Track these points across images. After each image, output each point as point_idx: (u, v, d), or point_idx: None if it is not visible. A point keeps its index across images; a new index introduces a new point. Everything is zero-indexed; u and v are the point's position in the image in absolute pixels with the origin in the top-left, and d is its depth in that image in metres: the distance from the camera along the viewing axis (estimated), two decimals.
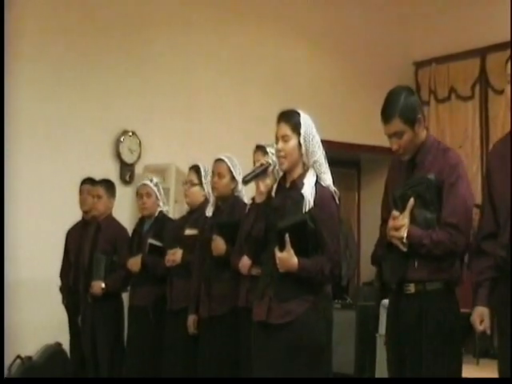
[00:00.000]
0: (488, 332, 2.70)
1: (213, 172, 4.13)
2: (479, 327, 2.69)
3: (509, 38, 6.97)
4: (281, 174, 3.17)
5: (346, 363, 5.66)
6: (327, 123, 7.02)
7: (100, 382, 4.85)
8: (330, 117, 7.39)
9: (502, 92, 7.35)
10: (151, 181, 4.76)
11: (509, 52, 7.14)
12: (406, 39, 8.06)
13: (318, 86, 7.52)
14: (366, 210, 8.43)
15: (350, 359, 5.75)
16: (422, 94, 8.28)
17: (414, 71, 8.37)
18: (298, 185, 3.05)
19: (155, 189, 4.73)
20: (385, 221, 2.96)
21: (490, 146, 7.65)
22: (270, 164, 3.14)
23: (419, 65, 8.32)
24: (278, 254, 2.95)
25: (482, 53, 7.75)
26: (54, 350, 5.66)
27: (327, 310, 3.40)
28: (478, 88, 7.86)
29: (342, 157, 7.83)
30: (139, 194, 4.78)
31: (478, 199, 8.82)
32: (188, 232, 4.38)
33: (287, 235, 2.92)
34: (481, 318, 2.69)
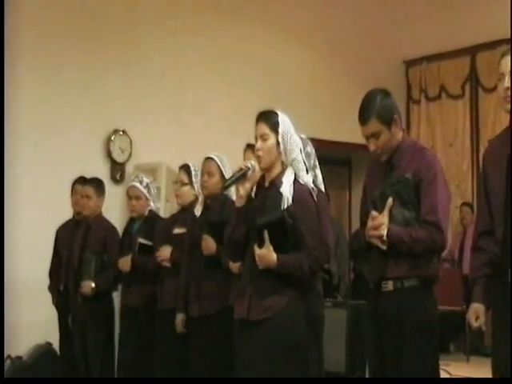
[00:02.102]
0: (483, 328, 2.73)
1: (202, 171, 4.13)
2: (474, 324, 2.72)
3: (499, 37, 7.00)
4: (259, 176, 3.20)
5: (336, 362, 5.66)
6: (318, 122, 7.09)
7: (97, 382, 4.84)
8: (321, 115, 7.41)
9: (491, 90, 7.39)
10: (141, 182, 4.73)
11: (499, 51, 7.18)
12: (396, 38, 8.08)
13: (309, 84, 7.53)
14: (357, 208, 8.37)
15: (340, 357, 5.75)
16: (412, 93, 8.31)
17: (405, 70, 8.40)
18: (276, 184, 3.10)
19: (144, 190, 4.71)
20: (364, 223, 2.99)
21: (481, 144, 7.73)
22: (249, 168, 3.16)
23: (410, 63, 8.35)
24: (257, 251, 2.99)
25: (472, 52, 7.79)
26: (45, 350, 5.65)
27: (316, 308, 3.40)
28: (468, 87, 7.90)
29: (333, 155, 7.84)
30: (128, 196, 4.77)
31: (469, 197, 8.86)
32: (177, 231, 4.37)
33: (266, 232, 2.95)
34: (476, 314, 2.72)
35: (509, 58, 2.65)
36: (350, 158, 8.77)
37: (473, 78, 7.84)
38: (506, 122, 2.75)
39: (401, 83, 8.21)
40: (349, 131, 7.61)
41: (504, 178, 2.63)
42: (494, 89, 7.27)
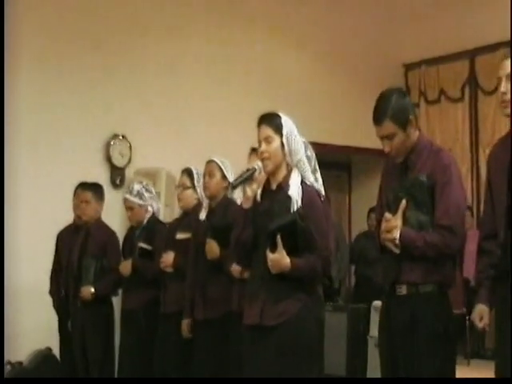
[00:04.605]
0: (487, 329, 2.73)
1: (204, 173, 4.15)
2: (479, 324, 2.72)
3: (498, 40, 7.02)
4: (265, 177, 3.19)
5: (337, 365, 5.66)
6: (318, 125, 7.09)
7: (97, 383, 4.84)
8: (321, 119, 7.41)
9: (491, 93, 7.39)
10: (131, 192, 4.76)
11: (499, 53, 7.19)
12: (395, 41, 8.09)
13: (309, 88, 7.53)
14: (357, 212, 8.44)
15: (341, 361, 5.75)
16: (411, 96, 8.30)
17: (404, 73, 8.40)
18: (284, 187, 3.08)
19: (136, 199, 4.72)
20: (379, 223, 2.97)
21: (480, 147, 7.73)
22: (255, 169, 3.15)
23: (409, 67, 8.35)
24: (271, 256, 2.96)
25: (471, 55, 7.79)
26: (45, 355, 5.63)
27: (319, 311, 3.41)
28: (467, 90, 7.90)
29: (333, 159, 7.84)
30: (124, 207, 4.83)
31: (468, 201, 8.87)
32: (179, 236, 4.37)
33: (279, 236, 2.92)
34: (480, 315, 2.73)
35: (506, 62, 2.66)
36: (349, 162, 8.78)
37: (472, 81, 7.84)
38: (505, 126, 2.76)
39: (400, 86, 8.19)
40: (348, 135, 7.67)
41: (506, 181, 2.63)
42: (494, 92, 7.29)
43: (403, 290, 2.87)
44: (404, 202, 2.83)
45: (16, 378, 5.37)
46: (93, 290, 4.82)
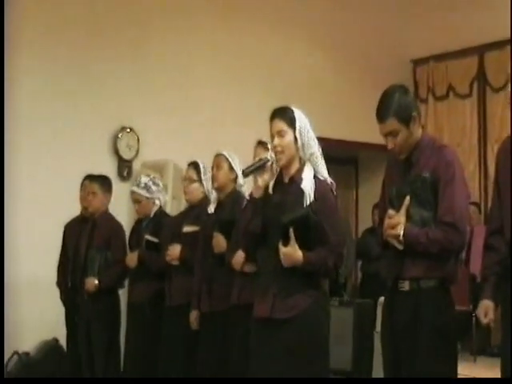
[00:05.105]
0: (491, 325, 2.74)
1: (212, 166, 4.16)
2: (484, 320, 2.73)
3: (506, 37, 6.98)
4: (277, 170, 3.19)
5: (343, 360, 5.66)
6: (325, 120, 7.05)
7: (106, 382, 4.84)
8: (328, 114, 7.40)
9: (499, 90, 7.36)
10: (138, 185, 4.77)
11: (507, 50, 7.17)
12: (404, 37, 8.07)
13: (316, 83, 7.53)
14: (364, 207, 8.43)
15: (347, 356, 5.76)
16: (420, 92, 8.30)
17: (412, 69, 8.38)
18: (296, 180, 3.08)
19: (143, 192, 4.74)
20: (382, 220, 2.97)
21: (488, 143, 7.71)
22: (268, 159, 3.16)
23: (417, 62, 8.33)
24: (283, 249, 2.96)
25: (480, 51, 7.76)
26: (51, 346, 5.66)
27: (327, 306, 3.42)
28: (476, 86, 7.87)
29: (340, 154, 7.83)
30: (132, 200, 4.85)
31: (476, 197, 8.84)
32: (186, 229, 4.38)
33: (291, 229, 2.92)
34: (485, 311, 2.73)
35: None
36: (356, 157, 8.77)
37: (480, 78, 7.81)
38: None
39: (408, 82, 8.18)
40: (355, 130, 7.66)
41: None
42: (502, 88, 7.27)
43: (406, 286, 2.88)
44: (408, 198, 2.84)
45: (17, 379, 5.40)
46: (97, 281, 4.83)
